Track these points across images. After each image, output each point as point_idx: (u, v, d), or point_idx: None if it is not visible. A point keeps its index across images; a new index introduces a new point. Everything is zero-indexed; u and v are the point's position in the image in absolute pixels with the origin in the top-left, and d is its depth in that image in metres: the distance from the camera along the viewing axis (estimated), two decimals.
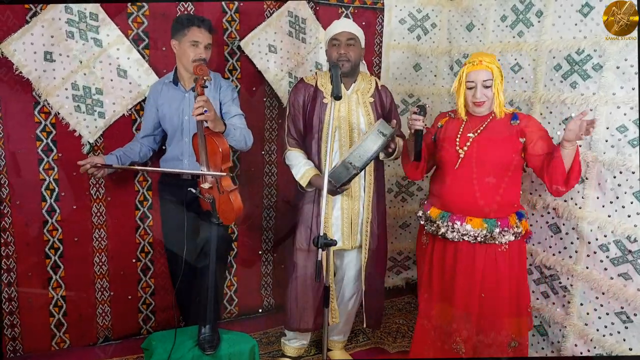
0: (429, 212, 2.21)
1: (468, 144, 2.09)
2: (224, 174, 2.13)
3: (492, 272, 2.08)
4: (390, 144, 2.22)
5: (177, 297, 2.64)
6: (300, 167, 2.34)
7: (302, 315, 2.47)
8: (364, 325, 2.54)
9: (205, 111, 1.99)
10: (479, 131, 2.10)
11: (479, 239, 2.06)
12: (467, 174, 2.08)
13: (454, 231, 2.09)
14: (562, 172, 1.97)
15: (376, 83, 2.47)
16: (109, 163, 2.30)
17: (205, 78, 2.03)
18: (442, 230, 2.13)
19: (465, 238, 2.08)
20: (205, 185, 2.19)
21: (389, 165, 3.28)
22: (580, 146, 2.24)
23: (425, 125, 2.09)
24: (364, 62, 2.48)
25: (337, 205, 2.39)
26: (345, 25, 2.36)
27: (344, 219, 2.39)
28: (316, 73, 2.50)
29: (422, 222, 2.26)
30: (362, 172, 2.36)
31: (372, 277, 2.50)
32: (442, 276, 2.18)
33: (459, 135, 2.13)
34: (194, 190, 2.21)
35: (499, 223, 2.07)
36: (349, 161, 2.07)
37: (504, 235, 2.06)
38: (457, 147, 2.11)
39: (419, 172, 2.28)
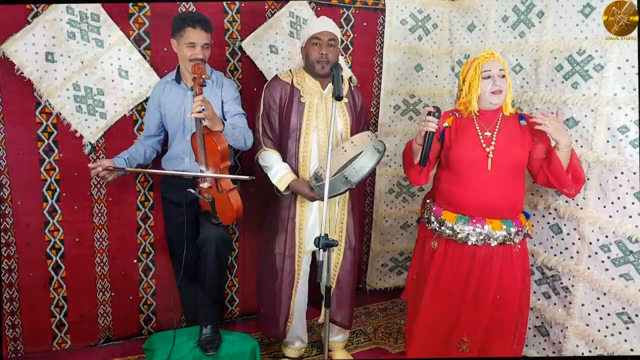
0: (442, 216, 2.16)
1: (494, 143, 2.07)
2: (247, 177, 2.10)
3: (509, 272, 2.09)
4: None
5: (180, 297, 2.64)
6: (277, 169, 2.30)
7: (286, 320, 2.50)
8: (328, 321, 2.54)
9: (203, 109, 1.99)
10: (495, 130, 2.10)
11: (499, 240, 2.06)
12: (488, 176, 2.06)
13: (475, 235, 2.07)
14: (564, 174, 2.02)
15: (349, 84, 2.46)
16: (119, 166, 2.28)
17: (203, 77, 2.02)
18: (462, 234, 2.09)
19: (488, 241, 2.07)
20: (205, 185, 2.19)
21: (390, 166, 3.28)
22: (582, 146, 2.25)
23: (438, 141, 2.11)
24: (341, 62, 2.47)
25: (312, 209, 2.40)
26: (326, 24, 2.31)
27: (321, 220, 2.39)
28: (290, 71, 2.44)
29: (431, 227, 2.21)
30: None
31: (345, 279, 2.52)
32: (454, 279, 2.15)
33: (480, 134, 2.10)
34: (193, 191, 2.21)
35: (514, 223, 2.08)
36: (345, 176, 2.08)
37: (518, 235, 2.09)
38: (485, 147, 2.08)
39: (422, 177, 2.22)
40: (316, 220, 2.40)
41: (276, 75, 2.43)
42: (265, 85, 2.43)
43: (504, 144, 2.07)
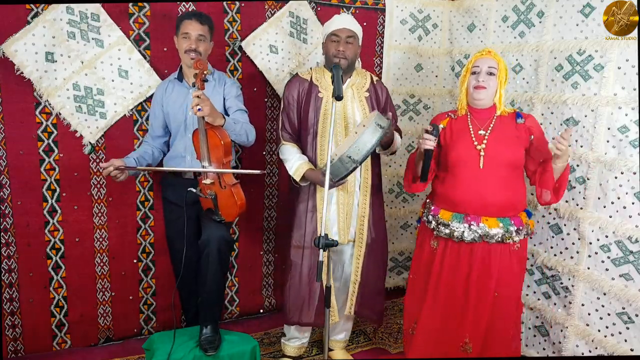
0: (439, 215, 2.17)
1: (485, 141, 2.09)
2: (258, 171, 2.11)
3: (507, 270, 2.09)
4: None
5: (180, 297, 2.64)
6: (294, 161, 2.34)
7: (300, 310, 2.47)
8: (353, 312, 2.52)
9: (200, 109, 1.98)
10: (489, 129, 2.10)
11: (496, 238, 2.06)
12: (481, 173, 2.07)
13: (471, 232, 2.07)
14: (552, 184, 2.05)
15: (371, 78, 2.47)
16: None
17: (205, 72, 2.02)
18: (458, 232, 2.09)
19: (485, 239, 2.07)
20: (207, 181, 2.18)
21: (390, 166, 3.28)
22: (582, 146, 2.25)
23: (436, 145, 2.09)
24: (359, 59, 2.46)
25: (332, 199, 2.39)
26: (345, 21, 2.34)
27: (339, 213, 2.39)
28: (311, 68, 2.50)
29: (431, 227, 2.21)
30: (358, 168, 2.37)
31: (370, 272, 2.49)
32: (454, 278, 2.15)
33: (472, 133, 2.12)
34: (194, 190, 2.20)
35: (513, 222, 2.07)
36: (348, 155, 2.07)
37: (518, 234, 2.08)
38: (476, 145, 2.09)
39: (421, 186, 2.26)
40: (336, 212, 2.39)
41: (296, 74, 2.48)
42: (285, 84, 2.49)
43: (497, 142, 2.08)
